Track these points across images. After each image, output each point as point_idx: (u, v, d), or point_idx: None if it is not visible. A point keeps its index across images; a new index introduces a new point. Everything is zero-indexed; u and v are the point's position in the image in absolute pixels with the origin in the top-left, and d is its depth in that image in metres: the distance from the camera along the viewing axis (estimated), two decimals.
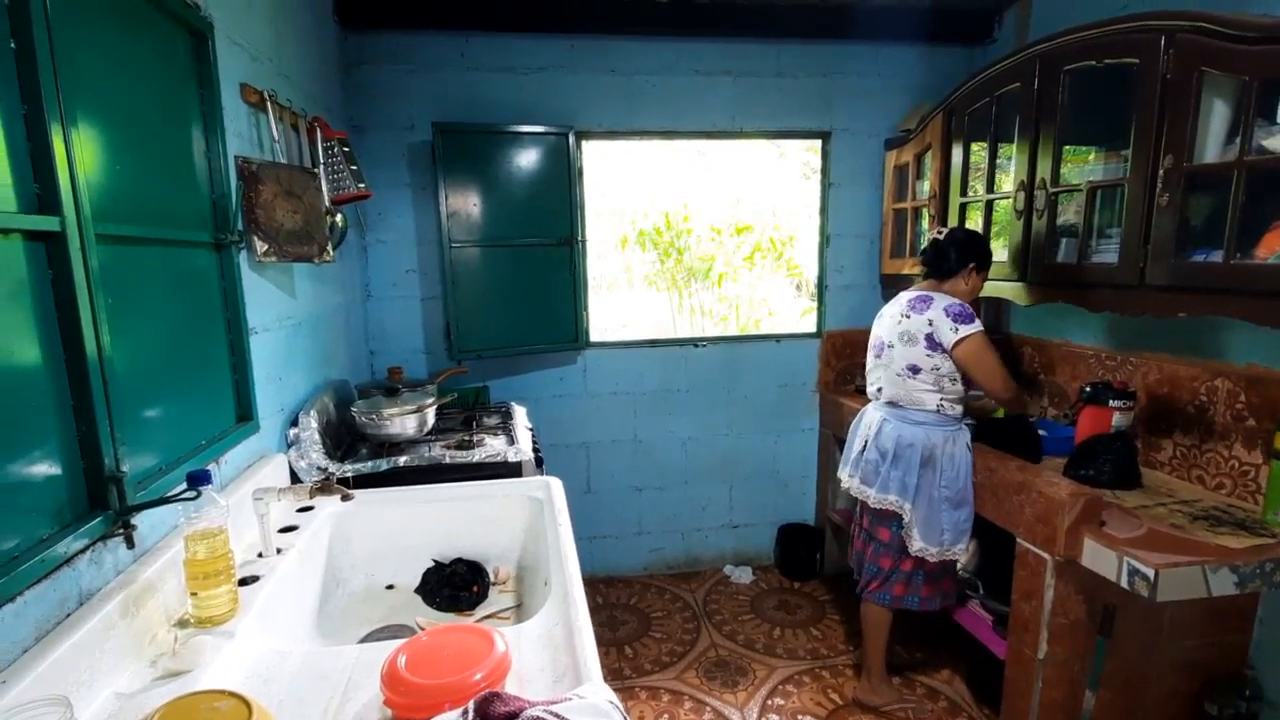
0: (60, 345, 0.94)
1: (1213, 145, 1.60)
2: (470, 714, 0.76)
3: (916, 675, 2.41)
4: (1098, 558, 1.63)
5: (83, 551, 0.96)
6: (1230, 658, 1.86)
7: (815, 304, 3.23)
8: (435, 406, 2.05)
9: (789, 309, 4.37)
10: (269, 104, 1.65)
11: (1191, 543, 1.60)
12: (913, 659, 2.50)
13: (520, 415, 2.39)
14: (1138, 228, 1.73)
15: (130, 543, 1.04)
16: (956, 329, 1.92)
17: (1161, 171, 1.66)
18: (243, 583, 1.18)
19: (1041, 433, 2.34)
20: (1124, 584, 1.55)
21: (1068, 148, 2.03)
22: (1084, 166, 2.04)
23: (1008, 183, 2.20)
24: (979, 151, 2.41)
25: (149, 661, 0.98)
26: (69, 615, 0.92)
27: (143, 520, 1.08)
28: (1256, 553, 1.55)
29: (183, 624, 1.08)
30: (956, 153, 2.45)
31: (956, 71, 2.84)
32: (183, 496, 1.04)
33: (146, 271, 1.18)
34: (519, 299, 2.78)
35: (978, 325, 1.93)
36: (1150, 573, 1.48)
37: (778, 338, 3.18)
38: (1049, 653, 1.79)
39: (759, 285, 4.37)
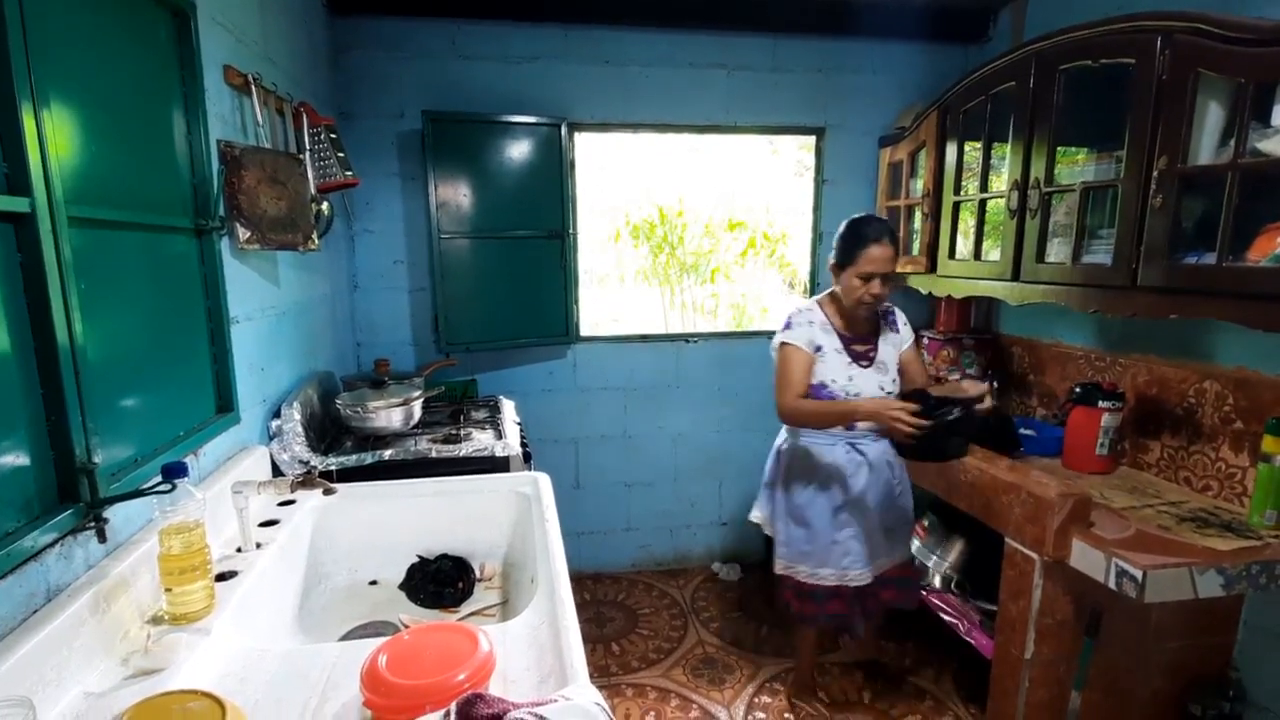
0: (29, 331, 0.91)
1: (1207, 147, 1.59)
2: (453, 716, 0.74)
3: (902, 673, 2.41)
4: (1086, 558, 1.63)
5: (51, 545, 0.92)
6: (1215, 659, 1.87)
7: None
8: (422, 399, 2.02)
9: (781, 306, 4.35)
10: (253, 87, 1.61)
11: (1179, 544, 1.60)
12: (900, 657, 2.50)
13: (509, 409, 2.36)
14: (1131, 229, 1.72)
15: (102, 536, 1.01)
16: (776, 335, 1.99)
17: (1155, 172, 1.65)
18: (220, 578, 1.15)
19: (1029, 432, 2.35)
20: (1112, 585, 1.55)
21: (1061, 148, 2.02)
22: (1077, 167, 2.04)
23: (1001, 182, 2.19)
24: (973, 150, 2.40)
25: (120, 659, 0.95)
26: (35, 611, 0.88)
27: (115, 513, 1.05)
28: (1243, 555, 1.56)
29: (156, 621, 1.05)
30: (950, 151, 2.44)
31: (951, 70, 2.83)
32: (157, 489, 1.01)
33: (123, 257, 1.15)
34: (509, 292, 2.75)
35: (789, 335, 1.96)
36: (1138, 574, 1.49)
37: (770, 334, 3.15)
38: (1036, 653, 1.79)
39: (751, 282, 4.34)
